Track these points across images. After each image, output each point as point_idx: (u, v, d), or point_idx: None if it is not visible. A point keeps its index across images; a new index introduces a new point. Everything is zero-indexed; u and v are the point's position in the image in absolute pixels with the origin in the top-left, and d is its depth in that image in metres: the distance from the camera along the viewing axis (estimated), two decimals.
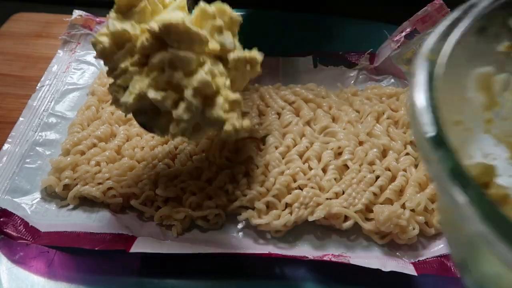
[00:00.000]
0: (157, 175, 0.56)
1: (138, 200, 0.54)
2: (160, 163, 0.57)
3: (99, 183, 0.55)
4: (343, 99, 0.65)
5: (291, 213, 0.53)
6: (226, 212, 0.54)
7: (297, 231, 0.53)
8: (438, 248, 0.51)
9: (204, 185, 0.55)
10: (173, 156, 0.58)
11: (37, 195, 0.55)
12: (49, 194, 0.56)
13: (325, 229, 0.54)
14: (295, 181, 0.55)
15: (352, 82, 0.69)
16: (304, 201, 0.53)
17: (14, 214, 0.52)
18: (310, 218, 0.52)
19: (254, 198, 0.54)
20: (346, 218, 0.53)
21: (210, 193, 0.55)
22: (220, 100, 0.43)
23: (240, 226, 0.54)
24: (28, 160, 0.58)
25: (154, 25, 0.42)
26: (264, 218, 0.52)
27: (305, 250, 0.52)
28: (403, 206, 0.52)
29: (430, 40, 0.28)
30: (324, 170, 0.56)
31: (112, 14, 0.45)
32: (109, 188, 0.54)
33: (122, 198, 0.54)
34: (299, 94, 0.64)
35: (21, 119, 0.61)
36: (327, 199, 0.53)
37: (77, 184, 0.55)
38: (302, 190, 0.54)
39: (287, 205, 0.54)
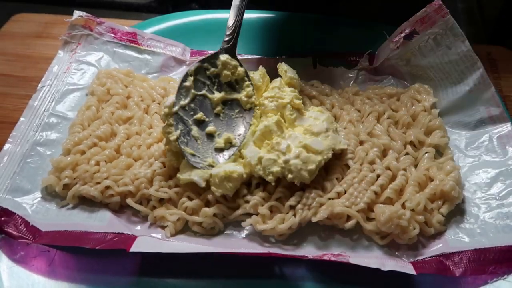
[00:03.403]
0: (153, 174, 0.56)
1: (133, 199, 0.54)
2: (157, 161, 0.57)
3: (97, 183, 0.55)
4: (345, 98, 0.65)
5: (295, 215, 0.53)
6: (228, 220, 0.54)
7: (301, 232, 0.53)
8: (437, 247, 0.51)
9: (201, 190, 0.55)
10: None
11: (38, 195, 0.55)
12: (50, 194, 0.56)
13: (328, 229, 0.54)
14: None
15: (352, 82, 0.69)
16: (307, 202, 0.53)
17: (15, 213, 0.52)
18: (314, 219, 0.52)
19: (257, 203, 0.54)
20: (348, 217, 0.53)
21: (209, 199, 0.54)
22: None
23: (243, 232, 0.54)
24: (29, 160, 0.58)
25: None
26: (269, 223, 0.52)
27: (308, 250, 0.52)
28: (403, 206, 0.53)
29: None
30: (326, 170, 0.57)
31: None
32: (107, 187, 0.55)
33: (120, 196, 0.54)
34: (303, 90, 0.65)
35: (22, 119, 0.62)
36: (329, 199, 0.54)
37: (76, 184, 0.55)
38: (304, 191, 0.54)
39: (290, 207, 0.54)
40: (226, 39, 0.60)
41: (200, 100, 0.58)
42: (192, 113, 0.57)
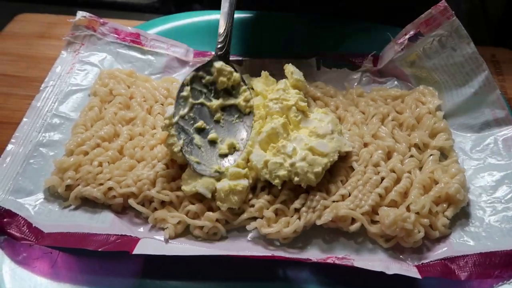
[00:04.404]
0: (156, 175, 0.55)
1: (136, 200, 0.54)
2: (160, 163, 0.57)
3: (100, 184, 0.55)
4: (349, 100, 0.65)
5: (299, 218, 0.52)
6: (232, 226, 0.54)
7: (305, 235, 0.53)
8: (442, 251, 0.51)
9: (202, 198, 0.54)
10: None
11: (41, 196, 0.55)
12: (52, 195, 0.56)
13: (333, 232, 0.53)
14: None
15: (356, 84, 0.69)
16: (311, 204, 0.53)
17: (18, 214, 0.52)
18: (318, 222, 0.52)
19: (262, 207, 0.53)
20: (353, 220, 0.53)
21: (211, 204, 0.54)
22: None
23: (248, 235, 0.53)
24: (31, 161, 0.58)
25: None
26: (274, 227, 0.52)
27: (312, 253, 0.52)
28: (407, 209, 0.52)
29: None
30: (330, 172, 0.56)
31: None
32: (110, 189, 0.54)
33: (122, 198, 0.54)
34: (308, 91, 0.65)
35: (25, 119, 0.61)
36: (333, 201, 0.53)
37: (79, 185, 0.55)
38: (309, 193, 0.54)
39: (295, 210, 0.53)
40: (219, 46, 0.61)
41: (198, 108, 0.59)
42: (192, 122, 0.58)
